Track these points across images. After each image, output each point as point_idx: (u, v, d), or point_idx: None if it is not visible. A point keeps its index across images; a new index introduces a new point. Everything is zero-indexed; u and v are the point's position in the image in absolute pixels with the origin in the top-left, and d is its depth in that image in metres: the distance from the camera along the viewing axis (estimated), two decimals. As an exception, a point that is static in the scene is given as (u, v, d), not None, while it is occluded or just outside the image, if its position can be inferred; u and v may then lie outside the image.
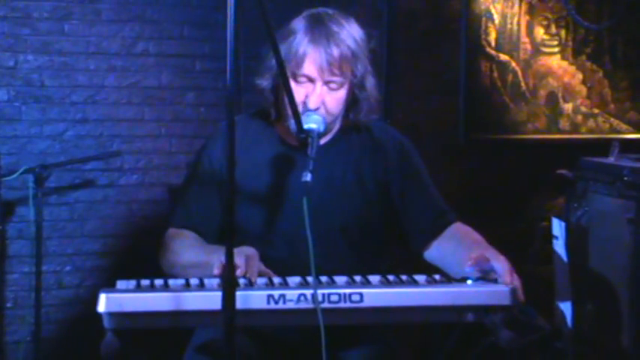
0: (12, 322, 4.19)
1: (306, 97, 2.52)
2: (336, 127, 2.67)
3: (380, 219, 2.69)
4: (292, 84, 2.48)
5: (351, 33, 2.57)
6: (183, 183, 2.81)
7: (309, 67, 2.53)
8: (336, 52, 2.52)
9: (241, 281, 2.23)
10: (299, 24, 2.59)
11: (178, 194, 2.79)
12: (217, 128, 2.78)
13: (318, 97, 2.52)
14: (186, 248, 2.58)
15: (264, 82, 2.63)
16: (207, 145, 2.73)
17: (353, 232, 2.65)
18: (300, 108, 2.47)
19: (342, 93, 2.57)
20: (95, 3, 4.27)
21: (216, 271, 2.21)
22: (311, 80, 2.54)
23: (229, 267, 1.91)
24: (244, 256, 2.30)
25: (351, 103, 2.63)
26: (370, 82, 2.63)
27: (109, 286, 2.17)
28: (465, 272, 2.33)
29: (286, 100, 2.43)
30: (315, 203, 2.33)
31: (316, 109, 2.51)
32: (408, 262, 2.64)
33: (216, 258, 2.20)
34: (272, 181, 2.63)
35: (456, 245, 2.60)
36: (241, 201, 2.48)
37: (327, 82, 2.54)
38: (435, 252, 2.67)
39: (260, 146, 2.67)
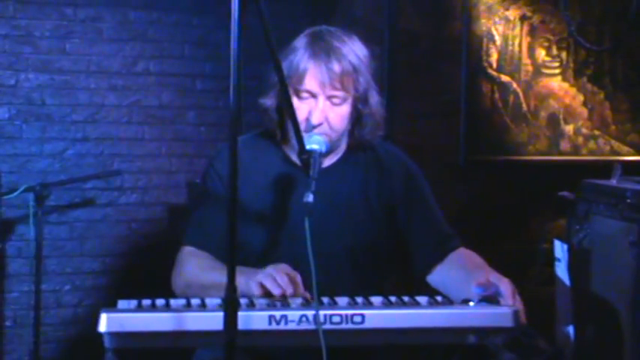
0: (11, 340, 4.18)
1: (309, 113, 2.51)
2: (343, 146, 2.67)
3: (385, 240, 2.68)
4: (295, 100, 2.49)
5: (352, 48, 2.57)
6: (196, 201, 2.78)
7: (310, 82, 2.53)
8: (337, 66, 2.52)
9: (242, 301, 2.22)
10: (300, 41, 2.59)
11: (192, 212, 2.75)
12: (223, 146, 2.76)
13: (321, 112, 2.52)
14: (207, 269, 2.54)
15: (268, 102, 2.63)
16: (214, 164, 2.71)
17: (358, 253, 2.64)
18: (303, 125, 2.47)
19: (345, 108, 2.56)
20: (96, 22, 4.29)
21: (258, 292, 2.26)
22: (313, 96, 2.53)
23: (230, 287, 1.90)
24: (284, 274, 2.30)
25: (355, 119, 2.62)
26: (374, 98, 2.62)
27: (109, 305, 2.15)
28: (470, 292, 2.32)
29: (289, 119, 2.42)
30: (321, 224, 2.31)
31: (319, 125, 2.51)
32: (411, 284, 2.62)
33: (252, 281, 2.27)
34: (277, 202, 2.62)
35: (458, 270, 2.59)
36: (246, 220, 2.46)
37: (329, 97, 2.53)
38: (438, 277, 2.66)
39: (266, 166, 2.66)
